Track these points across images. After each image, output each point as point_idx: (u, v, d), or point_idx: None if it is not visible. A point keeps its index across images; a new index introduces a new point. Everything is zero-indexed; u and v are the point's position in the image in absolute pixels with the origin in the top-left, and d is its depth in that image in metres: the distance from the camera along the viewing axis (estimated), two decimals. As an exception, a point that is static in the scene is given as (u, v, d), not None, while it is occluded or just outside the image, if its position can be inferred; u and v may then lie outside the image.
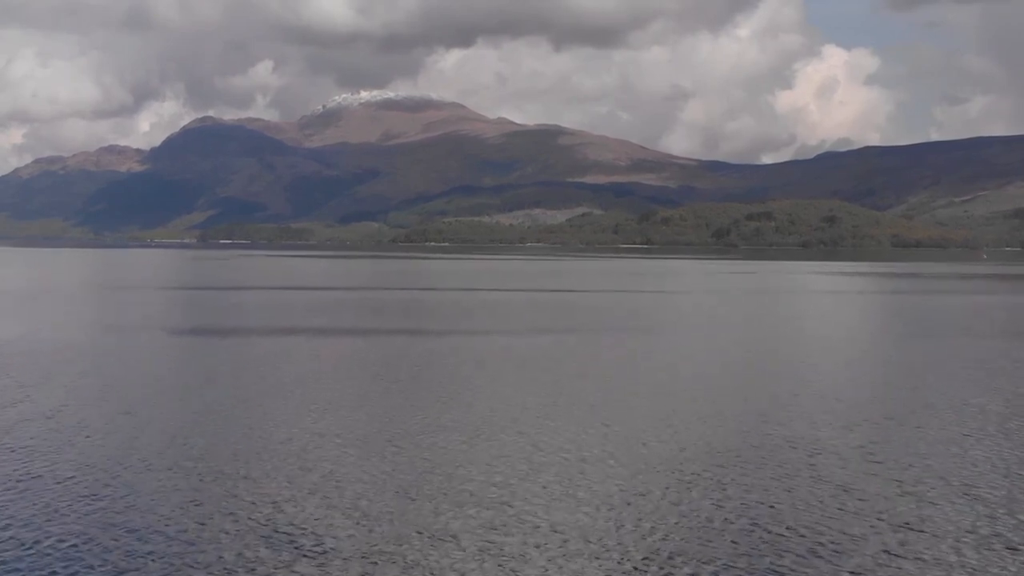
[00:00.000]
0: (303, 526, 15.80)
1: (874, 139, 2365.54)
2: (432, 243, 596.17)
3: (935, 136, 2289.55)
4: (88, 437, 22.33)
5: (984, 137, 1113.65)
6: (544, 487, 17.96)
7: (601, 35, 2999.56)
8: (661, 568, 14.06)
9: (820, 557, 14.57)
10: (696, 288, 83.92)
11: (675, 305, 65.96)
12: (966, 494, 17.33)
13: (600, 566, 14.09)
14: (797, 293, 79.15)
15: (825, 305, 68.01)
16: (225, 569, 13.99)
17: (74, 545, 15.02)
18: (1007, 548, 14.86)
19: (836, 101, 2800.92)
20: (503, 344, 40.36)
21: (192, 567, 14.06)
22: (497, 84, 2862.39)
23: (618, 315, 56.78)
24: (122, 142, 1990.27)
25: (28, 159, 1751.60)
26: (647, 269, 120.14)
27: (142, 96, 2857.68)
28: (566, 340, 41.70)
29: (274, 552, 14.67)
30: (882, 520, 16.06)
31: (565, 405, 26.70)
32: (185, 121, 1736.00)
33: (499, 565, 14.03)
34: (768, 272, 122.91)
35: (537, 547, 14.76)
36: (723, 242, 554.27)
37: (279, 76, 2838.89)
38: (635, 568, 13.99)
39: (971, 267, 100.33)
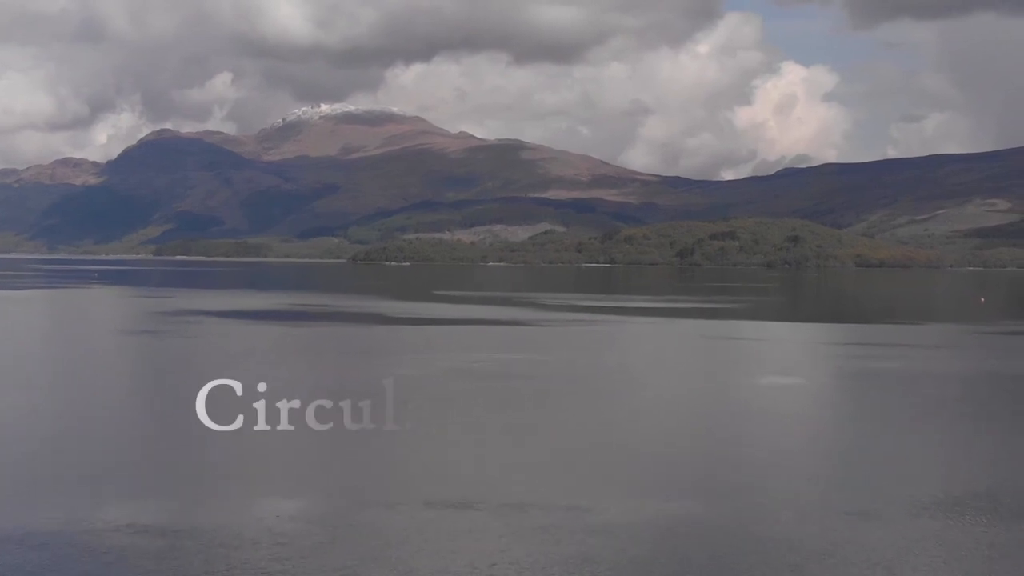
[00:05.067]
0: None
1: (831, 156, 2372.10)
2: (393, 263, 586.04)
3: (892, 153, 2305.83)
4: None
5: (941, 155, 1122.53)
6: None
7: (561, 51, 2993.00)
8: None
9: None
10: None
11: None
12: None
13: None
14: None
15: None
16: None
17: None
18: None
19: (795, 118, 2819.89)
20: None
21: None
22: (458, 99, 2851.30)
23: None
24: (78, 154, 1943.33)
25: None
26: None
27: (98, 108, 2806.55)
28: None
29: None
30: None
31: None
32: (142, 133, 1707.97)
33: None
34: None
35: None
36: (687, 262, 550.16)
37: (237, 89, 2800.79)
38: None
39: (985, 347, 63.44)
